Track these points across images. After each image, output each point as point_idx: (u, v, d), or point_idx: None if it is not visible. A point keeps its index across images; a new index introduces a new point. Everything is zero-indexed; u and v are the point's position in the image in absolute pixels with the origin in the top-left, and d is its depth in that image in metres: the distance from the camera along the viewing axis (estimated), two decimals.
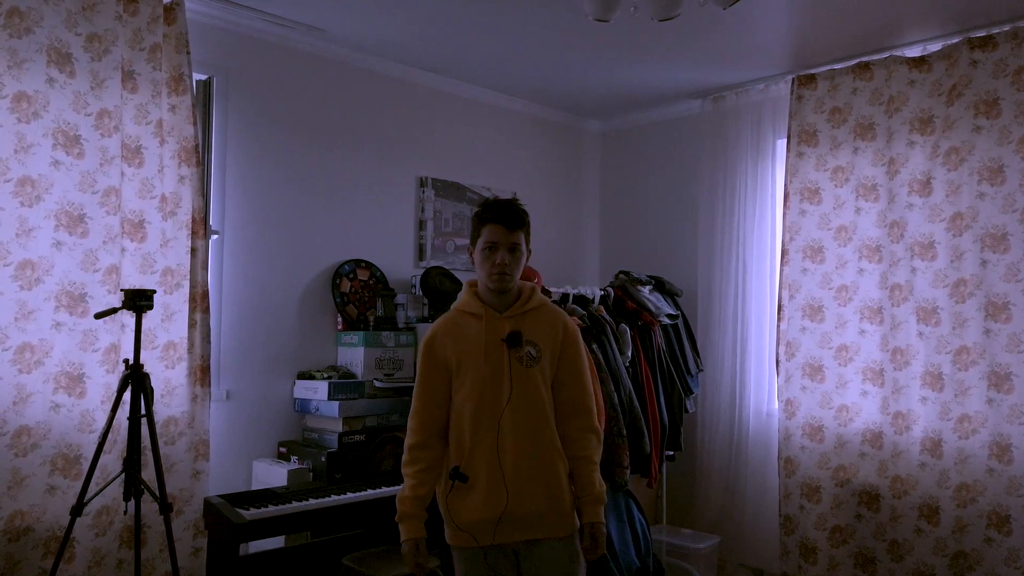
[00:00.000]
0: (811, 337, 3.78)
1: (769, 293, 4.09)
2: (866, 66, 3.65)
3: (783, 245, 3.90)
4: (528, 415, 2.15)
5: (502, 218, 2.19)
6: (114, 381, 2.84)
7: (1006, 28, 3.25)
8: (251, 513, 2.74)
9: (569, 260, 4.91)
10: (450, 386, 2.19)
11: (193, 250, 3.08)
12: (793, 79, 3.89)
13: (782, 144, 4.03)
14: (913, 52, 3.55)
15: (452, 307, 2.31)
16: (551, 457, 2.17)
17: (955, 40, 3.39)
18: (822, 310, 3.76)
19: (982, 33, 3.32)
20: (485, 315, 2.19)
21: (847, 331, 3.69)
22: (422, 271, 3.97)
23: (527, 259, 2.28)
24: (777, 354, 3.90)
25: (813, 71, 3.85)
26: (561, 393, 2.22)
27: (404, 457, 2.19)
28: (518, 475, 2.11)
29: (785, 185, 3.91)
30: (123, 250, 2.91)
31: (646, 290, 3.90)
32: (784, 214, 3.91)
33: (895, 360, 3.53)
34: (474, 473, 2.13)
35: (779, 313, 3.89)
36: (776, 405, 3.97)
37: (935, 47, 3.48)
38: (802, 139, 3.86)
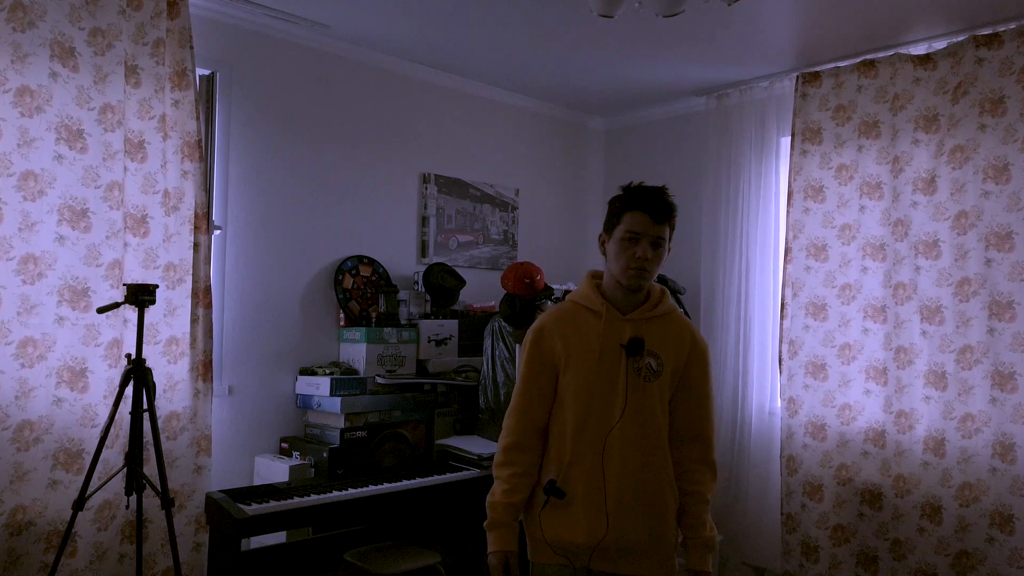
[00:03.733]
0: (814, 335, 3.78)
1: (772, 291, 4.08)
2: (871, 64, 3.64)
3: (786, 243, 3.89)
4: (641, 436, 1.91)
5: (649, 206, 1.92)
6: (116, 376, 2.84)
7: (1012, 26, 3.24)
8: (252, 508, 2.74)
9: (572, 257, 4.91)
10: (555, 385, 1.97)
11: (196, 245, 3.08)
12: (797, 76, 3.87)
13: (786, 142, 4.02)
14: (918, 50, 3.53)
15: (568, 297, 2.06)
16: (661, 488, 1.93)
17: (961, 38, 3.37)
18: (825, 308, 3.75)
19: (988, 31, 3.30)
20: (606, 313, 1.94)
21: (850, 329, 3.68)
22: (424, 267, 3.97)
23: (666, 259, 2.00)
24: (780, 352, 3.89)
25: (818, 68, 3.83)
26: (678, 416, 1.98)
27: (498, 458, 1.97)
28: (622, 502, 1.89)
29: (789, 183, 3.90)
30: (126, 245, 2.91)
31: None
32: (788, 212, 3.89)
33: (898, 359, 3.52)
34: (571, 490, 1.91)
35: (782, 311, 3.88)
36: (779, 403, 3.96)
37: (940, 45, 3.47)
38: (806, 137, 3.84)
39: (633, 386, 1.90)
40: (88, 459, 2.72)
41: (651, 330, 1.95)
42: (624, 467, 1.89)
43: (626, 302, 1.97)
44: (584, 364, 1.92)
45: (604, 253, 2.00)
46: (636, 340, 1.91)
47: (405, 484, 3.16)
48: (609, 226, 1.98)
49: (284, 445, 3.44)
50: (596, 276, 2.04)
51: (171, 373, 3.00)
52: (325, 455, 3.24)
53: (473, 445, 3.51)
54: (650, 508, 1.91)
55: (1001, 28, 3.27)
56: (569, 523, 1.90)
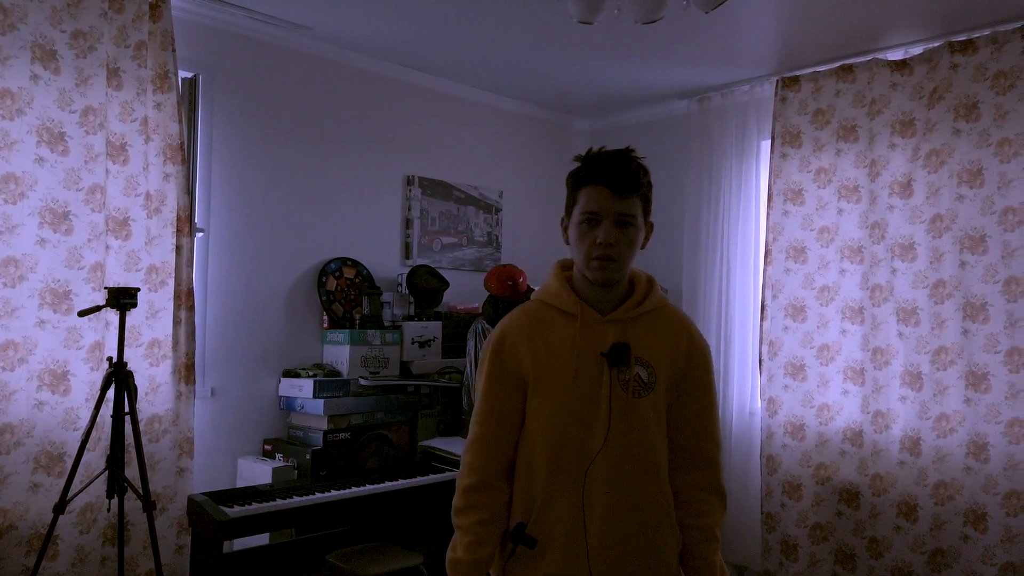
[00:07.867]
0: (793, 336, 3.82)
1: (752, 292, 4.12)
2: (849, 68, 3.69)
3: (766, 245, 3.94)
4: (631, 466, 1.54)
5: (607, 177, 1.51)
6: (98, 379, 2.84)
7: (986, 32, 3.29)
8: (235, 511, 2.75)
9: (556, 258, 4.91)
10: (524, 407, 1.59)
11: (178, 248, 3.08)
12: (777, 81, 3.92)
13: (766, 145, 4.06)
14: (895, 55, 3.59)
15: (533, 295, 1.69)
16: (659, 528, 1.56)
17: (936, 44, 3.43)
18: (804, 310, 3.80)
19: (963, 37, 3.35)
20: (581, 315, 1.57)
21: (829, 331, 3.73)
22: (408, 269, 3.98)
23: (646, 239, 1.61)
24: (760, 353, 3.93)
25: (797, 73, 3.88)
26: (677, 435, 1.60)
27: (457, 502, 1.59)
28: (609, 549, 1.52)
29: (769, 186, 3.94)
30: (108, 248, 2.91)
31: None
32: (768, 214, 3.94)
33: (875, 360, 3.57)
34: (545, 537, 1.53)
35: (762, 312, 3.93)
36: (759, 403, 4.00)
37: (917, 50, 3.52)
38: (786, 140, 3.89)
39: (619, 405, 1.53)
40: (69, 462, 2.72)
41: (638, 332, 1.58)
42: (610, 506, 1.52)
43: (604, 298, 1.59)
44: (557, 381, 1.55)
45: (567, 241, 1.64)
46: (620, 346, 1.54)
47: (388, 485, 3.17)
48: (568, 207, 1.61)
49: (267, 447, 3.45)
50: (566, 267, 1.67)
51: (153, 376, 3.00)
52: (308, 457, 3.24)
53: (456, 446, 3.52)
54: (646, 556, 1.55)
55: (976, 35, 3.33)
56: None
